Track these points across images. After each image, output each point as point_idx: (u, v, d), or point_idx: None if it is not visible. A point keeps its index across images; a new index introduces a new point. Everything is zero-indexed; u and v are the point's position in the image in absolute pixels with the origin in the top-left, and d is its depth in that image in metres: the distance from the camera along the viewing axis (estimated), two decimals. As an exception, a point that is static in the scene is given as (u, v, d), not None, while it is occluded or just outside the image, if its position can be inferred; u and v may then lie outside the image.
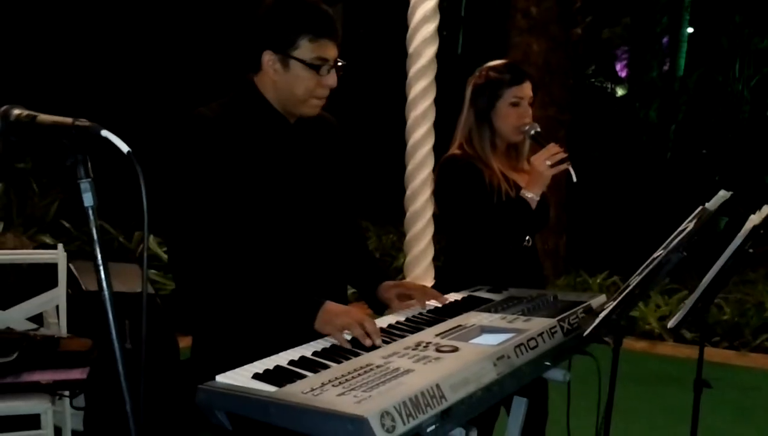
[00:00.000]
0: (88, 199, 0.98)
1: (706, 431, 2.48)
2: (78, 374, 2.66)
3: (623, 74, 14.68)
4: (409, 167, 5.41)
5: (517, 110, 2.28)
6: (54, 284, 2.97)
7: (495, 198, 2.20)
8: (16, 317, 2.94)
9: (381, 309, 1.85)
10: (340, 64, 1.69)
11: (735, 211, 2.09)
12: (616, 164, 11.13)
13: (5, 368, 2.55)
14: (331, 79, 1.68)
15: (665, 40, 13.08)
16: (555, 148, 2.19)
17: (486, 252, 2.26)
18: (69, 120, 1.01)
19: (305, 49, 1.64)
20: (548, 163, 2.17)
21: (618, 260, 6.31)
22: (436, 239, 5.50)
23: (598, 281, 6.15)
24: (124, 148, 0.95)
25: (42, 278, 3.12)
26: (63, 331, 2.93)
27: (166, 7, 9.11)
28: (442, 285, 2.15)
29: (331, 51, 1.67)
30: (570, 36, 6.75)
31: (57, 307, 2.97)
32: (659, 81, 12.55)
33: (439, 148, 5.54)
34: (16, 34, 7.89)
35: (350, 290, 1.92)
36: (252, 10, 1.69)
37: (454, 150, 2.33)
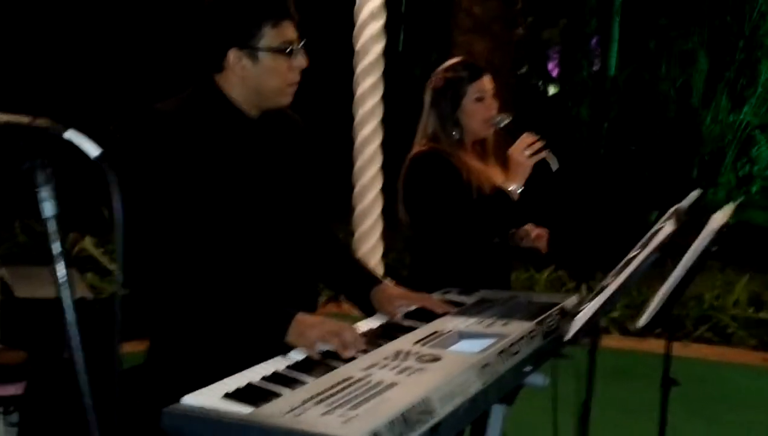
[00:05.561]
0: (48, 209, 0.85)
1: (657, 425, 2.48)
2: (13, 389, 2.49)
3: (555, 73, 14.99)
4: (358, 164, 5.36)
5: (483, 104, 2.30)
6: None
7: (474, 194, 2.17)
8: (-57, 330, 2.73)
9: (373, 313, 1.81)
10: (303, 42, 1.64)
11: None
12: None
13: (-68, 385, 2.36)
14: (302, 60, 1.64)
15: (594, 40, 13.45)
16: (531, 138, 2.20)
17: (458, 252, 2.21)
18: (26, 119, 0.88)
19: (270, 37, 1.59)
20: (527, 153, 2.15)
21: (561, 253, 6.39)
22: (385, 235, 5.45)
23: (545, 276, 6.21)
24: (93, 152, 0.83)
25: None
26: (-5, 343, 2.73)
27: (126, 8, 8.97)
28: (412, 289, 2.07)
29: (292, 32, 1.63)
30: (512, 36, 6.79)
31: (-12, 317, 2.78)
32: (590, 80, 12.88)
33: (387, 145, 5.51)
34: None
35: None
36: (202, 10, 1.61)
37: (420, 147, 2.27)
